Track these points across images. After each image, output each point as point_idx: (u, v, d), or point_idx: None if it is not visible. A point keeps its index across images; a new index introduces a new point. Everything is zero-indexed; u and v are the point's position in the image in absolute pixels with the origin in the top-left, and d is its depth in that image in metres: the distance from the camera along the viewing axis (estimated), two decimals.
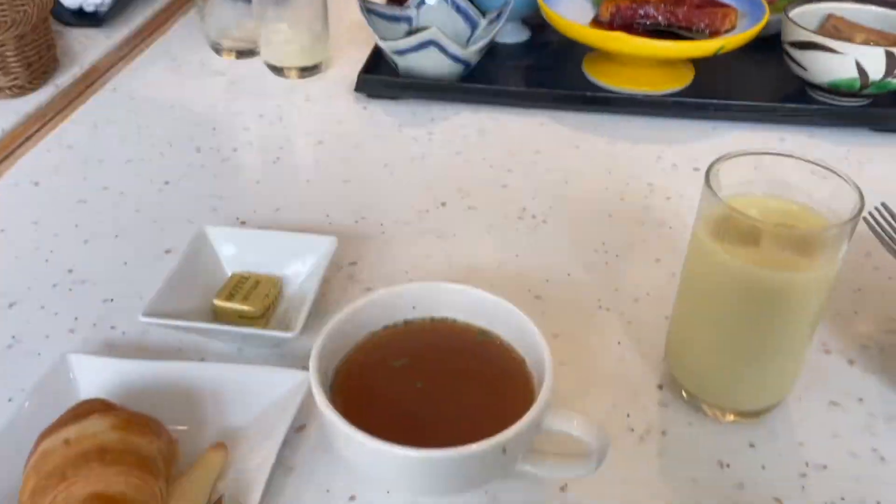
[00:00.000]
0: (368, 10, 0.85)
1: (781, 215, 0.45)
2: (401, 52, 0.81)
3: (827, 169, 0.44)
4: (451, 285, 0.47)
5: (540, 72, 0.88)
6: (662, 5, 0.83)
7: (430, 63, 0.81)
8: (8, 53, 0.80)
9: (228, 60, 0.90)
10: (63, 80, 0.85)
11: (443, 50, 0.79)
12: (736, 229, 0.43)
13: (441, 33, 0.78)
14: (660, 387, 0.51)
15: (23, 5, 0.85)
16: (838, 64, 0.75)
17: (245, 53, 0.90)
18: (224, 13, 0.90)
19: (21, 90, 0.82)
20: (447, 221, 0.66)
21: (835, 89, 0.78)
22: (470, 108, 0.82)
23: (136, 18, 0.98)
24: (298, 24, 0.86)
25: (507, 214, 0.67)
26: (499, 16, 0.85)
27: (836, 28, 0.82)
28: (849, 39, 0.78)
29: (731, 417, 0.49)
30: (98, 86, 0.85)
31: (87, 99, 0.83)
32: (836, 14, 0.83)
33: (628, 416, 0.49)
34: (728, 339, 0.45)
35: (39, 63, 0.84)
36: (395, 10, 0.87)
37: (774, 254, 0.43)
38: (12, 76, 0.81)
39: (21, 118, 0.79)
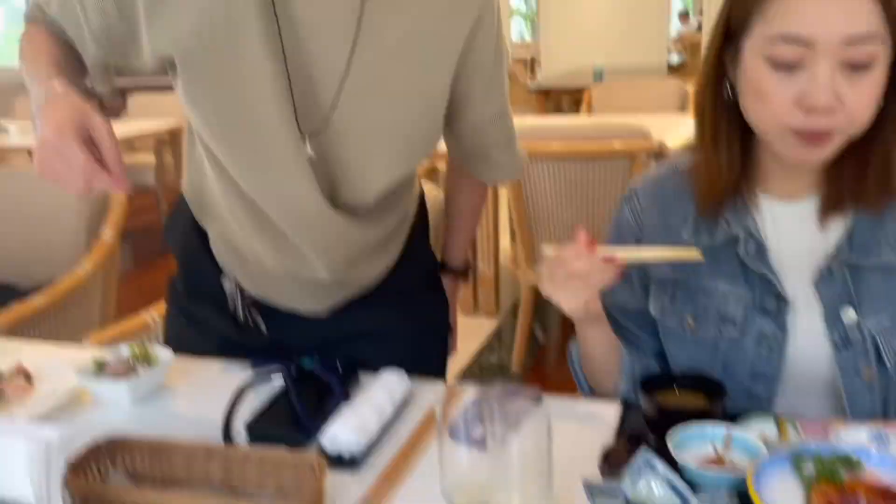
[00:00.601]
0: (589, 487, 0.97)
1: None
2: None
3: None
4: None
5: None
6: (873, 500, 0.88)
7: None
8: None
9: None
10: None
11: None
12: None
13: None
14: None
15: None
16: None
17: None
18: (459, 462, 1.04)
19: None
20: None
21: None
22: None
23: (383, 457, 1.15)
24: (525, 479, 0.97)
25: None
26: (711, 497, 0.94)
27: None
28: None
29: None
30: None
31: None
32: None
33: None
34: None
35: None
36: (614, 484, 0.98)
37: None
38: None
39: None
